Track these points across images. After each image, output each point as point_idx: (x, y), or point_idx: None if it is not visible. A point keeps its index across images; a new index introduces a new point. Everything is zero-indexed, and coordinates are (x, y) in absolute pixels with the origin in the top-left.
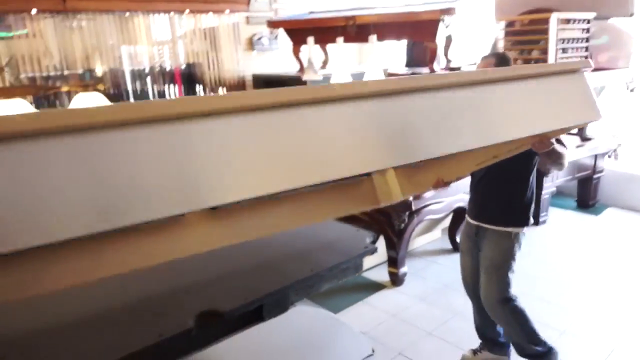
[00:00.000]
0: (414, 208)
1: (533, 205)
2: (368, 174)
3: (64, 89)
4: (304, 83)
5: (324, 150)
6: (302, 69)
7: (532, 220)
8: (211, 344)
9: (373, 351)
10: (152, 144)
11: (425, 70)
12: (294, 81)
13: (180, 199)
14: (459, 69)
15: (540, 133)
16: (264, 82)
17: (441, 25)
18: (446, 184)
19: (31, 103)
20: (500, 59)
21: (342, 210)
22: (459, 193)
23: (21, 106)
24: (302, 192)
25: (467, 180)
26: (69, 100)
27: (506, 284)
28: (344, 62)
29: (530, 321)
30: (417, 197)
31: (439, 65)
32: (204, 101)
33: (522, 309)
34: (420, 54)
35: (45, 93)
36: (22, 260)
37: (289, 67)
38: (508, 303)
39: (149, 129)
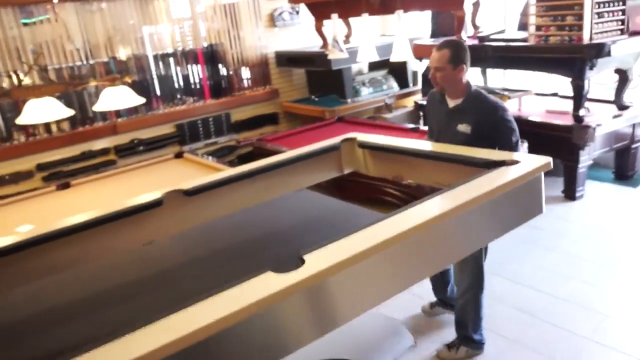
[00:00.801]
0: None
1: None
2: (337, 147)
3: (92, 83)
4: (329, 61)
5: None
6: (325, 45)
7: None
8: None
9: (415, 342)
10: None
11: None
12: (318, 57)
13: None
14: (487, 37)
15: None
16: (287, 59)
17: None
18: (402, 180)
19: (60, 99)
20: (454, 48)
21: (315, 178)
22: None
23: (52, 104)
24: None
25: None
26: (98, 94)
27: (480, 271)
28: (368, 34)
29: (483, 310)
30: None
31: (466, 33)
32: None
33: (482, 297)
34: (447, 22)
35: (74, 89)
36: None
37: (312, 42)
38: (479, 290)
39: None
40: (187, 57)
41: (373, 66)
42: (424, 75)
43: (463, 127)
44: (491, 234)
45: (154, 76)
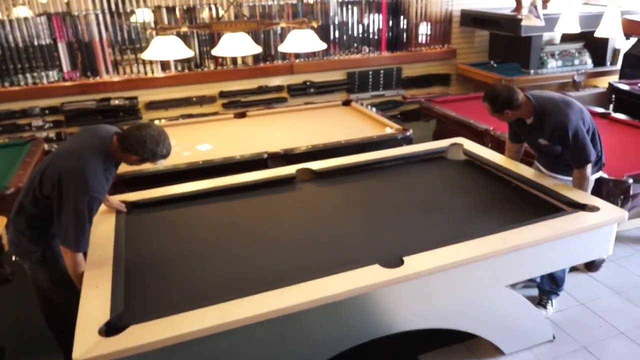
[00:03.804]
0: (631, 192)
1: None
2: (443, 150)
3: (282, 24)
4: (519, 26)
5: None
6: (518, 8)
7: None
8: None
9: (554, 337)
10: None
11: None
12: (506, 21)
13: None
14: None
15: None
16: (472, 19)
17: None
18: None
19: (249, 34)
20: (491, 102)
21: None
22: None
23: (244, 40)
24: None
25: None
26: (282, 34)
27: None
28: (570, 1)
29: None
30: (638, 180)
31: None
32: None
33: None
34: None
35: (264, 28)
36: None
37: (502, 3)
38: None
39: None
40: (371, 6)
41: (567, 37)
42: (627, 55)
43: (542, 140)
44: (562, 262)
45: (336, 22)
